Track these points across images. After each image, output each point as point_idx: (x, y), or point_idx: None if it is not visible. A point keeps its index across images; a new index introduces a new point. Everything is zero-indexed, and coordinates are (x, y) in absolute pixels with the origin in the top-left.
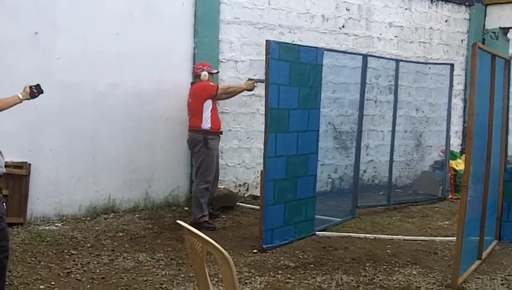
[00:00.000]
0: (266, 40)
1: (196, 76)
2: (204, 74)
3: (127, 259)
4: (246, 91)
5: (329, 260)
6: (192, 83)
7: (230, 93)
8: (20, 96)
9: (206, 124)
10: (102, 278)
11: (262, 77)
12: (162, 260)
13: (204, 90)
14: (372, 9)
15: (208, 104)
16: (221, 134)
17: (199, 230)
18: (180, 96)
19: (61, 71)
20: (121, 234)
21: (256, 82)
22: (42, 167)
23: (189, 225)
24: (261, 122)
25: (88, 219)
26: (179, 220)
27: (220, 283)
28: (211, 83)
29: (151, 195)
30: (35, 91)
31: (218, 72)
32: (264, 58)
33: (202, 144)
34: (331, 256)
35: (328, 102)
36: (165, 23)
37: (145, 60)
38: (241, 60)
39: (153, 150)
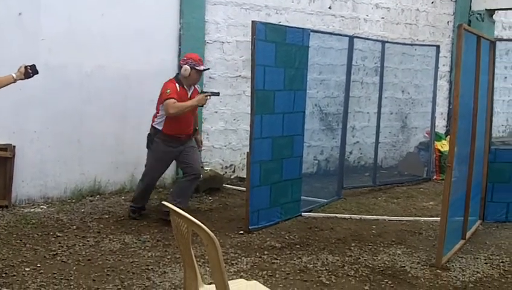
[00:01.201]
0: (252, 21)
1: (179, 67)
2: (185, 68)
3: (113, 241)
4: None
5: (315, 241)
6: (177, 74)
7: (181, 111)
8: (14, 75)
9: (159, 124)
10: (88, 260)
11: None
12: (148, 241)
13: (161, 93)
14: None
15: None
16: (179, 140)
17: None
18: (166, 78)
19: (46, 52)
20: (106, 216)
21: (210, 95)
22: (27, 149)
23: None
24: (247, 104)
25: (74, 201)
26: (165, 201)
27: (206, 264)
28: (167, 90)
29: (137, 177)
30: (30, 71)
31: (206, 69)
32: (250, 39)
33: (148, 141)
34: (316, 237)
35: (315, 83)
36: (150, 4)
37: (131, 41)
38: (227, 41)
39: (139, 132)
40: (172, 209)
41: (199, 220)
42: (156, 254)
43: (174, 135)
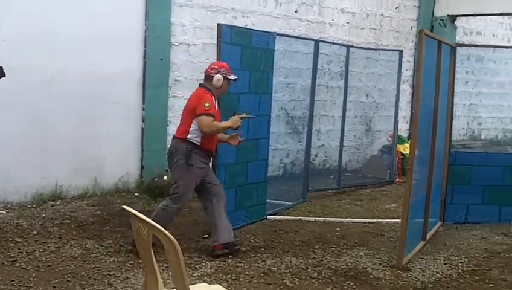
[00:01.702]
0: (218, 24)
1: (207, 78)
2: (218, 78)
3: (74, 246)
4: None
5: (279, 243)
6: (201, 85)
7: (208, 127)
8: None
9: (195, 137)
10: (49, 266)
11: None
12: (111, 246)
13: (196, 104)
14: None
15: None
16: (211, 156)
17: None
18: (130, 80)
19: (8, 54)
20: (68, 221)
21: (246, 118)
22: None
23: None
24: None
25: (34, 206)
26: (129, 206)
27: (170, 269)
28: (205, 103)
29: (100, 181)
30: None
31: (236, 79)
32: (216, 42)
33: (183, 156)
34: (281, 239)
35: (281, 87)
36: (115, 5)
37: (96, 43)
38: (193, 43)
39: (103, 135)
40: (133, 213)
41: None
42: (119, 259)
43: (210, 150)
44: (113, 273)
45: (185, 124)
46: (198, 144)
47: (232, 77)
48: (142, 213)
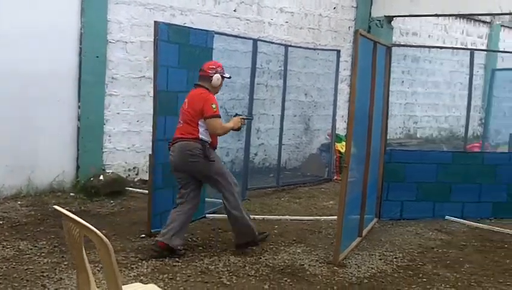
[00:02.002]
0: (155, 22)
1: (204, 78)
2: (217, 77)
3: (7, 248)
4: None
5: (217, 242)
6: (196, 85)
7: (217, 130)
8: None
9: (204, 136)
10: None
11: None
12: (45, 247)
13: (203, 106)
14: None
15: (204, 121)
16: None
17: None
18: (66, 78)
19: None
20: (0, 222)
21: (245, 119)
22: None
23: (241, 247)
24: (151, 105)
25: None
26: (64, 206)
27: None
28: (212, 103)
29: (35, 181)
30: None
31: (230, 77)
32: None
33: (203, 155)
34: (220, 238)
35: None
36: (50, 2)
37: (29, 40)
38: (130, 41)
39: (37, 133)
40: (64, 213)
41: (100, 225)
42: (53, 260)
43: (216, 146)
44: (47, 275)
45: (192, 126)
46: (210, 141)
47: (227, 75)
48: (78, 213)
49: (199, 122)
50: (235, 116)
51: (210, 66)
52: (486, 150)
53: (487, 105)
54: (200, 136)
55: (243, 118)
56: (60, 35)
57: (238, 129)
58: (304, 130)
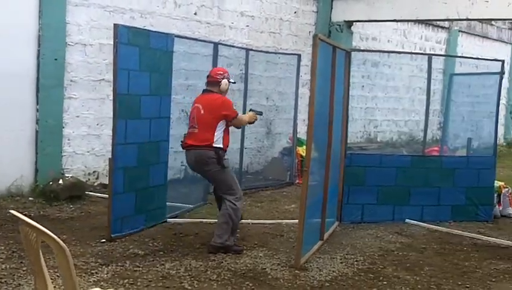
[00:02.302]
0: (114, 24)
1: (213, 83)
2: (225, 83)
3: None
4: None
5: (179, 247)
6: (205, 90)
7: (237, 125)
8: None
9: (219, 142)
10: None
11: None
12: (3, 253)
13: (224, 109)
14: None
15: (223, 123)
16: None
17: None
18: (24, 81)
19: None
20: None
21: (257, 114)
22: None
23: (214, 248)
24: (111, 108)
25: None
26: (23, 210)
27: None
28: (232, 105)
29: None
30: None
31: (235, 82)
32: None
33: (217, 162)
34: (181, 242)
35: (181, 89)
36: (7, 3)
37: None
38: (90, 43)
39: None
40: (20, 218)
41: (59, 229)
42: (11, 266)
43: (227, 149)
44: (5, 281)
45: (209, 132)
46: (222, 146)
47: (232, 80)
48: (37, 218)
49: (218, 126)
50: (249, 111)
51: (218, 72)
52: (444, 154)
53: (445, 109)
54: (215, 144)
55: (257, 113)
56: (18, 38)
57: (252, 123)
58: (265, 134)
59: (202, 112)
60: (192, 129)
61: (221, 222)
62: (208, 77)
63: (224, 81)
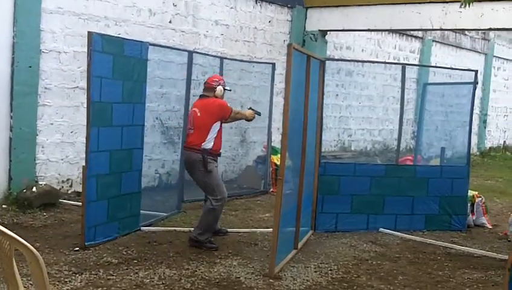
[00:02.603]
0: (88, 32)
1: (209, 89)
2: (220, 89)
3: None
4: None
5: (153, 255)
6: (202, 96)
7: (236, 119)
8: None
9: (208, 144)
10: None
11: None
12: None
13: (221, 110)
14: (199, 6)
15: (217, 125)
16: (220, 156)
17: (201, 249)
18: None
19: None
20: None
21: (256, 113)
22: None
23: (191, 241)
24: (85, 116)
25: None
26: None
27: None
28: (227, 104)
29: None
30: None
31: (230, 90)
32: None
33: (202, 165)
34: (155, 251)
35: (155, 97)
36: None
37: None
38: (64, 51)
39: None
40: None
41: (32, 237)
42: None
43: (218, 151)
44: None
45: (201, 133)
46: (210, 148)
47: (228, 88)
48: (10, 226)
49: (212, 128)
50: (249, 109)
51: (213, 80)
52: (418, 163)
53: (419, 119)
54: (203, 146)
55: (256, 112)
56: None
57: (250, 120)
58: (240, 142)
59: (199, 114)
60: (189, 131)
61: (200, 216)
62: (204, 83)
63: (219, 88)
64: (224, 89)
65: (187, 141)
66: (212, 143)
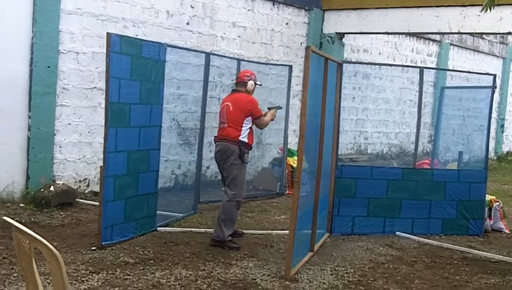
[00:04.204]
0: (107, 33)
1: (240, 83)
2: (251, 84)
3: None
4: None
5: (169, 256)
6: (234, 90)
7: (263, 125)
8: None
9: (244, 137)
10: None
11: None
12: None
13: (251, 106)
14: (217, 8)
15: (249, 120)
16: (251, 149)
17: (223, 249)
18: (16, 88)
19: None
20: None
21: (277, 109)
22: None
23: (213, 241)
24: (103, 117)
25: None
26: (14, 217)
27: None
28: (259, 107)
29: None
30: None
31: (261, 84)
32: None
33: (238, 156)
34: (171, 251)
35: (172, 98)
36: (0, 10)
37: None
38: (82, 51)
39: None
40: (13, 225)
41: (50, 236)
42: (2, 272)
43: (251, 145)
44: None
45: (236, 128)
46: (247, 141)
47: (259, 82)
48: (27, 225)
49: (244, 122)
50: (268, 109)
51: (245, 74)
52: (435, 167)
53: (436, 122)
54: (241, 138)
55: (275, 109)
56: (11, 45)
57: (274, 119)
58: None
59: (231, 108)
60: (223, 125)
61: (219, 214)
62: (236, 78)
63: (251, 82)
64: (256, 84)
65: (221, 133)
66: (247, 137)
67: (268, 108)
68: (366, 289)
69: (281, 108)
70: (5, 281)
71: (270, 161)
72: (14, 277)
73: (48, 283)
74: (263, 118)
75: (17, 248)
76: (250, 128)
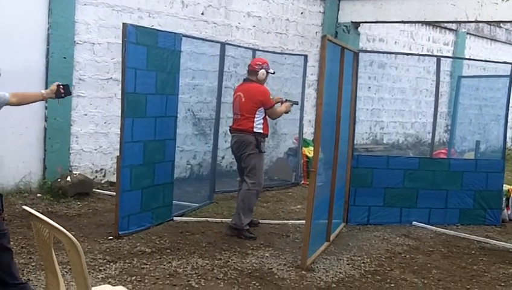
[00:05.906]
0: (123, 23)
1: (252, 72)
2: (263, 72)
3: None
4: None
5: (185, 245)
6: (246, 80)
7: (276, 115)
8: (44, 93)
9: (259, 128)
10: None
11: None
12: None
13: (261, 96)
14: None
15: (262, 110)
16: (267, 137)
17: (239, 238)
18: (32, 78)
19: None
20: None
21: (293, 104)
22: None
23: (230, 229)
24: (118, 107)
25: None
26: (31, 207)
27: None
28: (270, 97)
29: (1, 181)
30: (62, 91)
31: (274, 72)
32: (121, 42)
33: (255, 146)
34: (187, 241)
35: (188, 88)
36: (16, 2)
37: None
38: (98, 42)
39: (4, 134)
40: (33, 214)
41: (67, 226)
42: (20, 261)
43: (267, 134)
44: None
45: (249, 119)
46: (262, 131)
47: (271, 71)
48: (45, 214)
49: (257, 112)
50: (285, 101)
51: (257, 62)
52: (452, 157)
53: (453, 112)
54: (255, 129)
55: (292, 103)
56: (27, 36)
57: (288, 112)
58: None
59: (243, 99)
60: (236, 116)
61: (237, 202)
62: (248, 66)
63: (262, 71)
64: (268, 72)
65: (237, 124)
66: (262, 127)
67: (286, 100)
68: (383, 279)
69: (298, 104)
70: (23, 270)
71: (285, 151)
72: (33, 265)
73: (66, 271)
74: (275, 108)
75: (36, 237)
76: (264, 118)
